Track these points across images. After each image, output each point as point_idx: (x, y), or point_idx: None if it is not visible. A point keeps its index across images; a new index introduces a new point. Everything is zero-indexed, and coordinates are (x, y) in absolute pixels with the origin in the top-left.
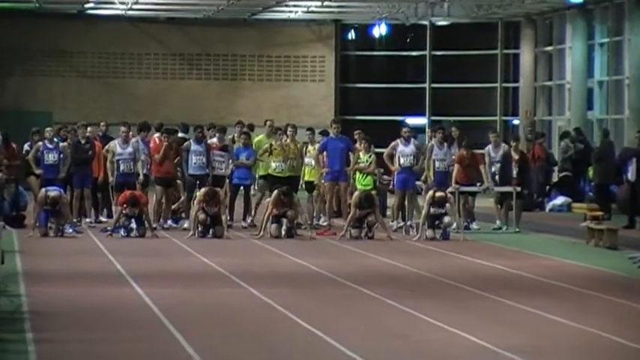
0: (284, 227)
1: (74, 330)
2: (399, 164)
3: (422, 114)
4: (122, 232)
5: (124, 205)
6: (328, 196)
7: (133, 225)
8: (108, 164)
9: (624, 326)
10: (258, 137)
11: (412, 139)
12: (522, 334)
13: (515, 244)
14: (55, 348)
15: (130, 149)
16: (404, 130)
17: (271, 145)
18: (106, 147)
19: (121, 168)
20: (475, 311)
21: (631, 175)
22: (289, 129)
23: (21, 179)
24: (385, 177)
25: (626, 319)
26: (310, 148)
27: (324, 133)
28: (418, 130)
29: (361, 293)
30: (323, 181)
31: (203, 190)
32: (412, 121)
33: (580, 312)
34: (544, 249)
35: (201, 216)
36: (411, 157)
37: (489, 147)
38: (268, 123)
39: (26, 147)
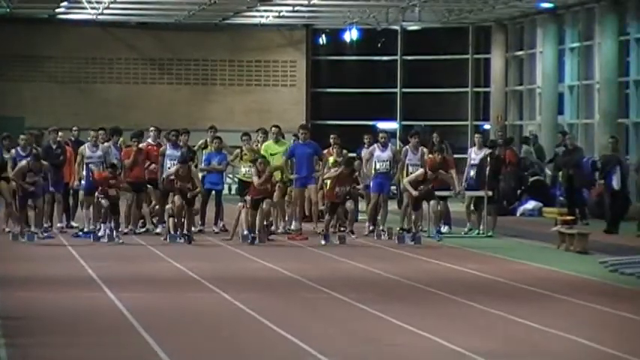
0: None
1: (46, 335)
2: (375, 169)
3: (393, 119)
4: (92, 237)
5: (101, 189)
6: (299, 201)
7: (102, 232)
8: (76, 167)
9: (594, 330)
10: (267, 143)
11: (389, 145)
12: (493, 338)
13: (487, 249)
14: (26, 353)
15: (99, 152)
16: (380, 135)
17: (242, 149)
18: (79, 151)
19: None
20: (446, 315)
21: (616, 183)
22: (260, 133)
23: None
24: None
25: (595, 323)
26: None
27: (296, 137)
28: (390, 135)
29: (332, 297)
30: (292, 187)
31: (177, 197)
32: (383, 125)
33: (550, 316)
34: (515, 253)
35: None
36: (387, 163)
37: (473, 149)
38: (274, 129)
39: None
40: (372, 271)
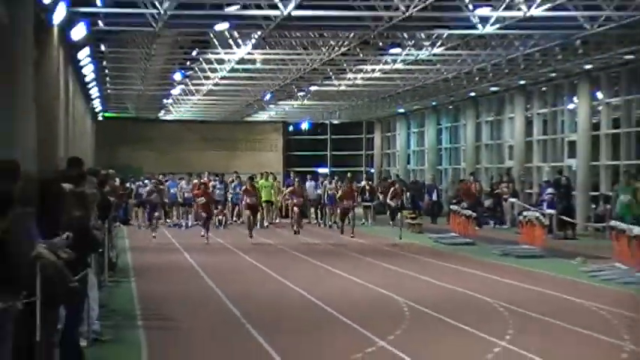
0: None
1: (152, 274)
2: (327, 193)
3: (326, 166)
4: (178, 227)
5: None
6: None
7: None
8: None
9: (430, 272)
10: (261, 181)
11: (327, 181)
12: (381, 278)
13: (374, 232)
14: (144, 283)
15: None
16: (328, 179)
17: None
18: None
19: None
20: (357, 266)
21: (435, 197)
22: (264, 174)
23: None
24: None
25: (431, 269)
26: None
27: (274, 177)
28: (326, 175)
29: (295, 256)
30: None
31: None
32: (321, 170)
33: (406, 265)
34: (386, 233)
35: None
36: (332, 189)
37: (362, 182)
38: (265, 174)
39: (128, 185)
40: (316, 242)
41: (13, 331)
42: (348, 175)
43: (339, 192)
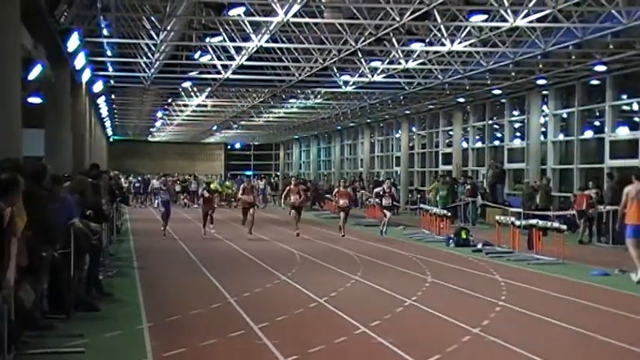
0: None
1: (151, 255)
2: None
3: (250, 170)
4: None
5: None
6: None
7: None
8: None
9: (315, 235)
10: (218, 181)
11: (259, 181)
12: (299, 245)
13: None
14: (145, 262)
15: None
16: (263, 180)
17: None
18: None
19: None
20: (272, 232)
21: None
22: (214, 176)
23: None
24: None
25: (314, 233)
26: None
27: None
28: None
29: (236, 226)
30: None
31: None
32: (248, 173)
33: (302, 231)
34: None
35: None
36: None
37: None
38: (218, 175)
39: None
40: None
41: (51, 271)
42: (344, 177)
43: (335, 192)
